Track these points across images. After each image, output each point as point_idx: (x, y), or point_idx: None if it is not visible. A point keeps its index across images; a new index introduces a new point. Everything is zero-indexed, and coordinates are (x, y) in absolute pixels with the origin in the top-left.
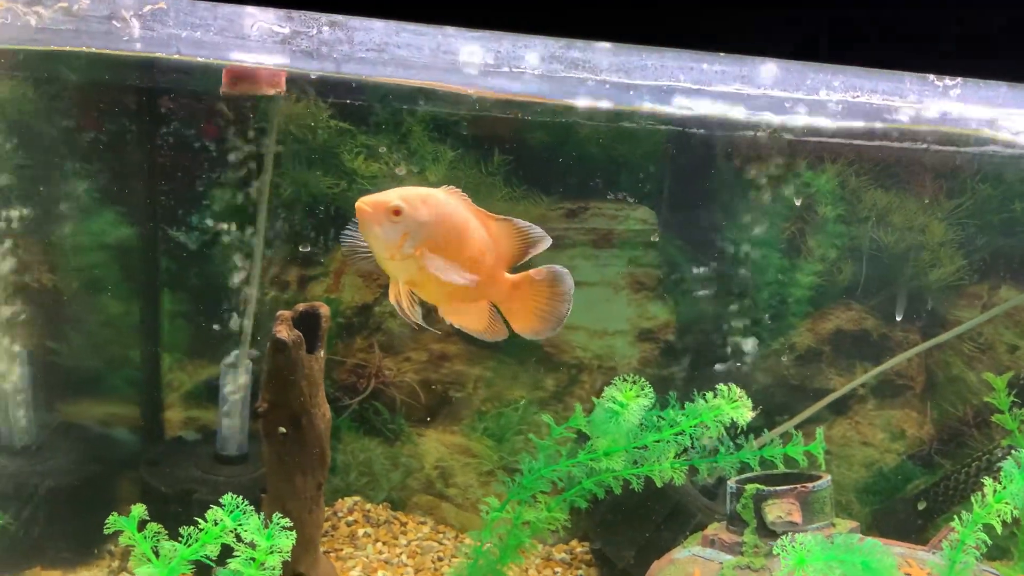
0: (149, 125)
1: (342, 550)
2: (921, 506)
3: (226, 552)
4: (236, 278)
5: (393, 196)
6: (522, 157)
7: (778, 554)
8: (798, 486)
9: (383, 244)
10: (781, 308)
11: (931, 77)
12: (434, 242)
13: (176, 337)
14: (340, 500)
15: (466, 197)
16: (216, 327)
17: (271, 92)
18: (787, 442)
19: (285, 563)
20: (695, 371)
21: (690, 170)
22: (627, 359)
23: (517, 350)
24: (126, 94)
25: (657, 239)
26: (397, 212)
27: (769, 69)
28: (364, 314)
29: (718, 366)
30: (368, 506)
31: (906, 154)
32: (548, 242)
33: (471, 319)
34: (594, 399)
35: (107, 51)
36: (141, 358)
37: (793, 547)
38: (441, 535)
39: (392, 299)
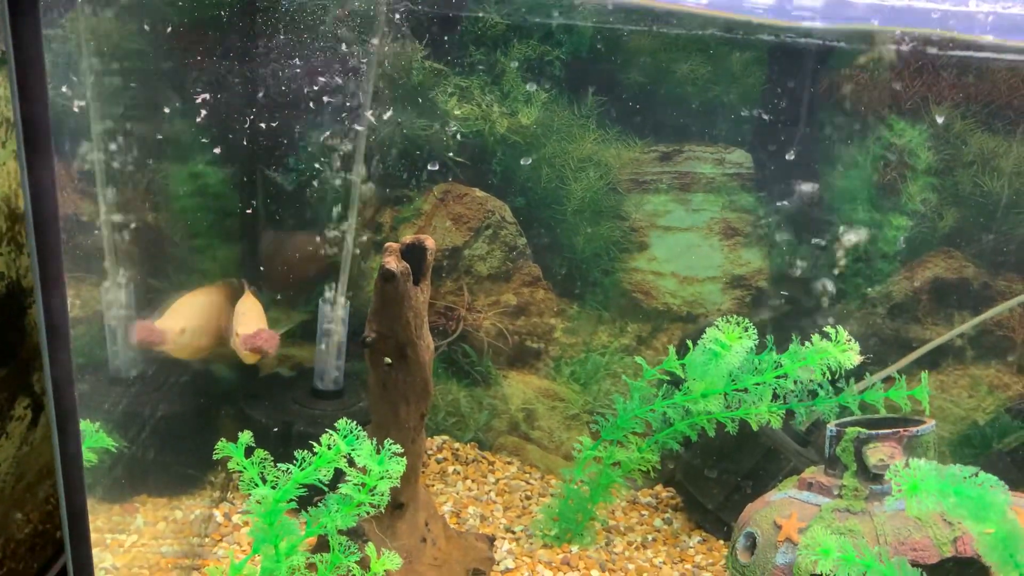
0: (252, 68)
1: (433, 486)
2: None
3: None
4: (332, 218)
5: None
6: (615, 98)
7: (890, 478)
8: (901, 430)
9: None
10: (877, 255)
11: None
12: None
13: (272, 276)
14: (429, 438)
15: None
16: (312, 267)
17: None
18: (890, 386)
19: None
20: (787, 318)
21: (791, 104)
22: (717, 306)
23: (603, 297)
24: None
25: (753, 183)
26: None
27: None
28: (454, 257)
29: (811, 314)
30: (456, 445)
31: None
32: None
33: None
34: (688, 342)
35: None
36: None
37: (907, 472)
38: (527, 475)
39: None
